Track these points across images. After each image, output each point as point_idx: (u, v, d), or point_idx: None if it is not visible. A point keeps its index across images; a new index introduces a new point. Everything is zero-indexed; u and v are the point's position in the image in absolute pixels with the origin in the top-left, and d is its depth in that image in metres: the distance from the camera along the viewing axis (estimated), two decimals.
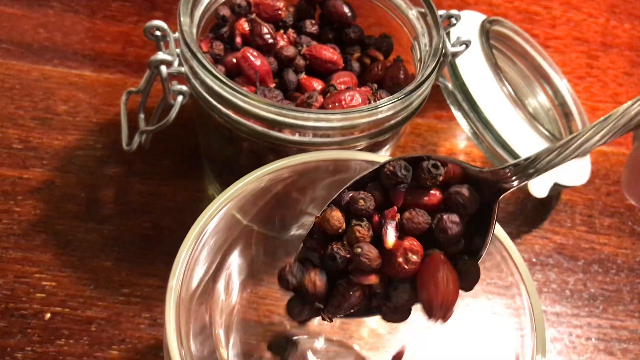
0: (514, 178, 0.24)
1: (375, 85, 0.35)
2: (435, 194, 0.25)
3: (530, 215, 0.45)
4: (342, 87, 0.35)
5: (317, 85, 0.36)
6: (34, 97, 0.44)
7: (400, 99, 0.31)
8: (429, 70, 0.32)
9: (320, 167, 0.29)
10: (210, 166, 0.40)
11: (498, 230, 0.28)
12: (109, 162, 0.42)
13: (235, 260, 0.33)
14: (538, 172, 0.24)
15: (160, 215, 0.40)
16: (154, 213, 0.40)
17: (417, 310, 0.33)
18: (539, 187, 0.38)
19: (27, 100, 0.44)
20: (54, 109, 0.44)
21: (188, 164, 0.43)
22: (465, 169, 0.25)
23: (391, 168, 0.25)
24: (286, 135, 0.31)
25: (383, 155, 0.29)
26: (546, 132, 0.39)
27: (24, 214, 0.39)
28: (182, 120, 0.45)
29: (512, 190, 0.25)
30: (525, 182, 0.24)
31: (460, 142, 0.48)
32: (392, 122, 0.32)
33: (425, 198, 0.25)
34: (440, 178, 0.25)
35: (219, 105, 0.31)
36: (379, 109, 0.30)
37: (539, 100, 0.47)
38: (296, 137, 0.31)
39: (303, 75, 0.37)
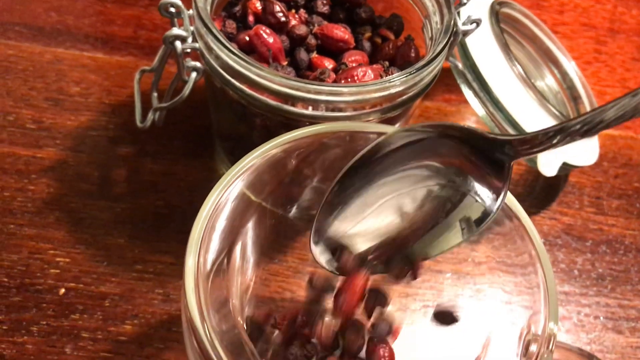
0: (539, 145, 0.25)
1: (387, 63, 0.35)
2: None
3: (539, 197, 0.45)
4: (354, 65, 0.35)
5: (329, 64, 0.36)
6: (46, 79, 0.45)
7: (412, 73, 0.31)
8: (441, 46, 0.32)
9: (330, 139, 0.29)
10: (222, 145, 0.40)
11: (510, 199, 0.28)
12: (121, 142, 0.43)
13: (248, 238, 0.33)
14: (564, 140, 0.24)
15: (173, 194, 0.41)
16: (166, 192, 0.41)
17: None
18: (548, 165, 0.38)
19: (40, 81, 0.45)
20: (67, 91, 0.45)
21: (200, 145, 0.43)
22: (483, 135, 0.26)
23: None
24: (299, 109, 0.31)
25: (393, 127, 0.29)
26: (557, 113, 0.39)
27: (38, 192, 0.40)
28: (193, 102, 0.45)
29: (532, 155, 0.25)
30: (548, 149, 0.25)
31: (469, 125, 0.48)
32: (404, 97, 0.32)
33: None
34: None
35: (233, 80, 0.32)
36: (392, 83, 0.30)
37: (547, 83, 0.47)
38: (309, 111, 0.31)
39: (314, 55, 0.37)
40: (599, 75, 0.53)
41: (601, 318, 0.40)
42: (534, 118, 0.39)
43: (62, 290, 0.36)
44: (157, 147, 0.43)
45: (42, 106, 0.44)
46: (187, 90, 0.34)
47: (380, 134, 0.28)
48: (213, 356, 0.22)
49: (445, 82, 0.50)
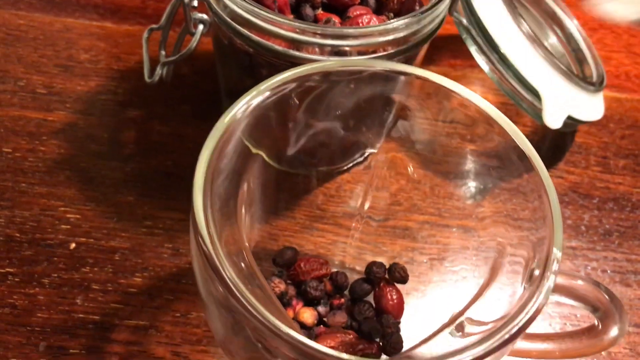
0: None
1: (392, 14, 0.36)
2: None
3: (546, 157, 0.45)
4: None
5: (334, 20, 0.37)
6: (56, 47, 0.46)
7: (417, 16, 0.31)
8: None
9: (328, 78, 0.29)
10: (229, 104, 0.40)
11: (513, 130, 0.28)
12: (130, 105, 0.43)
13: (253, 191, 0.34)
14: None
15: (181, 154, 0.41)
16: (175, 153, 0.41)
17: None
18: (553, 117, 0.39)
19: (50, 49, 0.45)
20: (76, 58, 0.45)
21: (207, 108, 0.44)
22: None
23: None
24: (305, 54, 0.31)
25: (396, 63, 0.29)
26: (565, 69, 0.40)
27: (49, 153, 0.40)
28: (200, 68, 0.46)
29: None
30: None
31: (475, 89, 0.48)
32: (409, 44, 0.33)
33: None
34: None
35: (240, 28, 0.32)
36: (396, 26, 0.31)
37: (552, 45, 0.47)
38: (315, 56, 0.31)
39: (319, 11, 0.38)
40: (604, 41, 0.53)
41: (609, 272, 0.40)
42: (542, 75, 0.39)
43: (73, 245, 0.37)
44: (165, 110, 0.43)
45: (52, 72, 0.44)
46: (194, 42, 0.35)
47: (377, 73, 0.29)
48: (224, 274, 0.22)
49: (451, 48, 0.51)
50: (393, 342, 0.31)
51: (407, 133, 0.38)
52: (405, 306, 0.35)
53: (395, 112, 0.38)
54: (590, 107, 0.42)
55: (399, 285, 0.35)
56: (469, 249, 0.36)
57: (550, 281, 0.24)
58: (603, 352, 0.37)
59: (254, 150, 0.35)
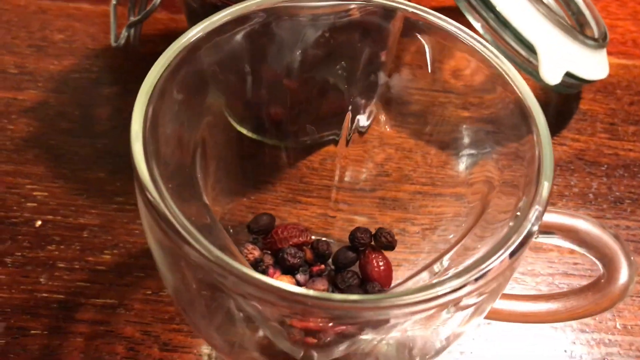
0: None
1: None
2: None
3: (549, 124, 0.42)
4: None
5: None
6: (30, 28, 0.44)
7: None
8: None
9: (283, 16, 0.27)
10: None
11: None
12: (104, 83, 0.41)
13: (211, 156, 0.31)
14: None
15: None
16: None
17: None
18: (550, 72, 0.36)
19: (23, 31, 0.44)
20: (51, 38, 0.43)
21: None
22: None
23: None
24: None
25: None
26: (563, 22, 0.37)
27: (17, 131, 0.38)
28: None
29: None
30: None
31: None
32: None
33: None
34: None
35: None
36: None
37: (551, 6, 0.44)
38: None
39: None
40: (609, 9, 0.51)
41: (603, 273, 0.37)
42: (537, 28, 0.36)
43: (39, 222, 0.34)
44: (139, 86, 0.41)
45: (24, 53, 0.42)
46: None
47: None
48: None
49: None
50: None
51: (395, 101, 0.36)
52: (396, 277, 0.33)
53: (376, 65, 0.36)
54: (593, 64, 0.39)
55: (388, 254, 0.32)
56: (461, 215, 0.33)
57: (537, 208, 0.21)
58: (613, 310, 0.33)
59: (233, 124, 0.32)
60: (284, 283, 0.18)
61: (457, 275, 0.19)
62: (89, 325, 0.31)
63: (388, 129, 0.36)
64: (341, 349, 0.28)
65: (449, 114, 0.36)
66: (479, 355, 0.32)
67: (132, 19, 0.35)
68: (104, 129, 0.39)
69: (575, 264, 0.35)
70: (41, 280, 0.32)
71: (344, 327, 0.27)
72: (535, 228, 0.21)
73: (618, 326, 0.33)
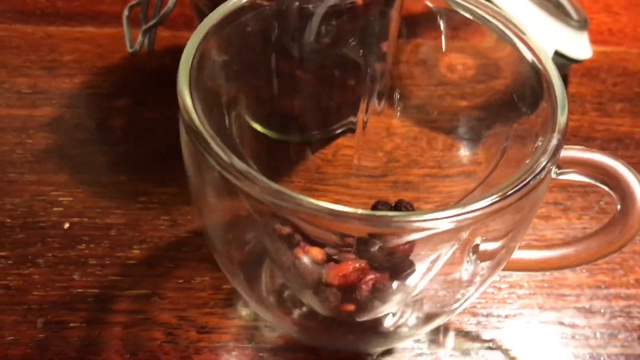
0: None
1: None
2: None
3: (538, 106, 0.44)
4: None
5: None
6: (40, 52, 0.45)
7: None
8: None
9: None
10: None
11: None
12: (117, 96, 0.43)
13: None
14: None
15: (172, 135, 0.40)
16: (165, 134, 0.40)
17: None
18: None
19: (33, 55, 0.45)
20: (60, 60, 0.45)
21: None
22: None
23: None
24: None
25: None
26: (548, 4, 0.39)
27: (37, 144, 0.39)
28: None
29: None
30: None
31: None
32: None
33: None
34: None
35: None
36: None
37: None
38: None
39: None
40: (583, 3, 0.54)
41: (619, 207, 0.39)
42: (523, 10, 0.39)
43: (67, 224, 0.35)
44: (152, 98, 0.43)
45: (36, 74, 0.44)
46: (171, 2, 0.34)
47: None
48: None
49: None
50: (404, 267, 0.29)
51: (398, 97, 0.38)
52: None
53: (383, 59, 0.38)
54: (578, 44, 0.41)
55: None
56: (472, 190, 0.35)
57: (555, 139, 0.23)
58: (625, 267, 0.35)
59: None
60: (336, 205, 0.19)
61: (488, 194, 0.20)
62: (125, 315, 0.32)
63: (395, 120, 0.38)
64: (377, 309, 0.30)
65: (447, 104, 0.38)
66: (499, 314, 0.33)
67: (144, 25, 0.37)
68: (120, 137, 0.40)
69: (584, 228, 0.37)
70: (75, 277, 0.33)
71: (376, 276, 0.28)
72: (557, 156, 0.23)
73: (631, 281, 0.35)
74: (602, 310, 0.33)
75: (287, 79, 0.35)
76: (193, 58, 0.24)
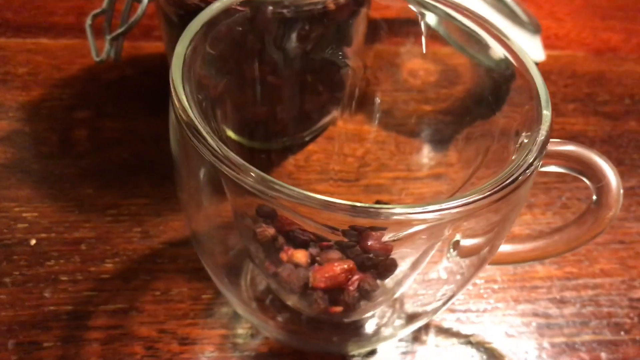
0: None
1: None
2: None
3: (494, 109, 0.46)
4: None
5: None
6: None
7: None
8: None
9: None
10: None
11: None
12: (77, 108, 0.41)
13: None
14: None
15: (138, 145, 0.40)
16: (131, 144, 0.40)
17: None
18: None
19: None
20: (14, 72, 0.43)
21: (156, 104, 0.42)
22: None
23: None
24: None
25: None
26: (506, 9, 0.41)
27: None
28: (145, 68, 0.45)
29: None
30: None
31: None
32: None
33: None
34: None
35: None
36: None
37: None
38: None
39: None
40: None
41: (583, 199, 0.40)
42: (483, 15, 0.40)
43: (34, 241, 0.34)
44: (114, 109, 0.42)
45: None
46: (141, 10, 0.34)
47: None
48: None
49: None
50: (387, 266, 0.29)
51: (365, 103, 0.39)
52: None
53: (349, 73, 0.38)
54: (532, 48, 0.43)
55: None
56: (443, 192, 0.36)
57: (543, 134, 0.23)
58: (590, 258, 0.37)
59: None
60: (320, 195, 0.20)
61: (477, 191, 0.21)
62: (102, 330, 0.31)
63: (365, 125, 0.39)
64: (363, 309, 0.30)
65: (412, 108, 0.39)
66: (477, 309, 0.34)
67: (108, 36, 0.36)
68: (85, 149, 0.39)
69: (549, 223, 0.39)
70: (45, 294, 0.32)
71: (361, 276, 0.28)
72: (544, 149, 0.23)
73: (597, 271, 0.36)
74: (572, 300, 0.35)
75: (258, 85, 0.35)
76: (183, 65, 0.23)
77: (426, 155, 0.38)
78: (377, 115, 0.39)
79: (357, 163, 0.40)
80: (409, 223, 0.21)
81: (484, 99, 0.40)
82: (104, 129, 0.40)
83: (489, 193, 0.21)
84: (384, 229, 0.24)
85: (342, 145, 0.41)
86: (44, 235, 0.34)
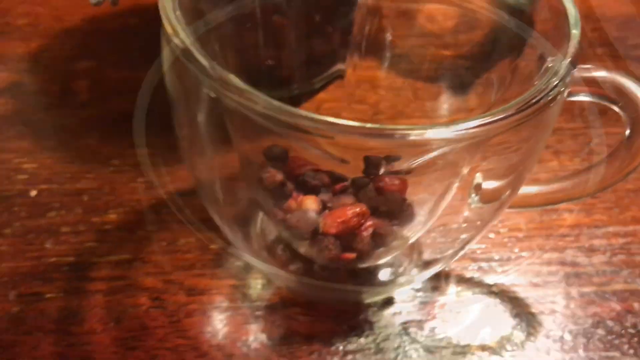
0: None
1: None
2: None
3: None
4: None
5: None
6: None
7: None
8: None
9: None
10: None
11: None
12: (78, 58, 0.40)
13: None
14: None
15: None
16: (133, 94, 0.38)
17: None
18: None
19: None
20: (14, 23, 0.42)
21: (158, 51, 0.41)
22: None
23: None
24: None
25: None
26: None
27: None
28: (148, 18, 0.43)
29: None
30: None
31: None
32: None
33: None
34: None
35: None
36: None
37: None
38: None
39: None
40: None
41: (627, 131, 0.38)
42: None
43: (34, 192, 0.33)
44: (116, 58, 0.40)
45: None
46: None
47: None
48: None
49: None
50: (405, 213, 0.28)
51: (378, 47, 0.36)
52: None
53: (361, 15, 0.36)
54: None
55: None
56: None
57: (570, 51, 0.21)
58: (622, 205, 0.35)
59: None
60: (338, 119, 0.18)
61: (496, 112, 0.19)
62: (106, 282, 0.29)
63: (378, 72, 0.37)
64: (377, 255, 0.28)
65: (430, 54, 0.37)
66: (501, 258, 0.32)
67: None
68: (86, 100, 0.37)
69: (576, 170, 0.36)
70: (47, 245, 0.30)
71: (375, 222, 0.27)
72: (573, 71, 0.21)
73: (628, 219, 0.34)
74: (602, 249, 0.33)
75: (261, 26, 0.33)
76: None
77: (445, 100, 0.36)
78: (391, 61, 0.36)
79: (371, 111, 0.38)
80: (425, 144, 0.19)
81: (508, 32, 0.38)
82: (105, 80, 0.39)
83: (509, 114, 0.19)
84: (398, 158, 0.22)
85: (355, 93, 0.39)
86: (44, 186, 0.33)
